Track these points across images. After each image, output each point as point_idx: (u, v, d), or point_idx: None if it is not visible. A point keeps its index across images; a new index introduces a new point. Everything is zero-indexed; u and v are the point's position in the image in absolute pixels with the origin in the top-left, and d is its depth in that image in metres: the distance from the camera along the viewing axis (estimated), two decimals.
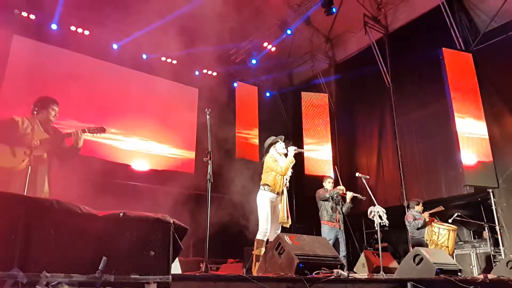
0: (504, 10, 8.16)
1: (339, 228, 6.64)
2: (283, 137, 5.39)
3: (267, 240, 4.90)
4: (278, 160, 5.16)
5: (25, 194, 3.58)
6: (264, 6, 10.66)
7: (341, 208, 6.81)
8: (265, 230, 4.90)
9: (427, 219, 7.04)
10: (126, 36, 9.63)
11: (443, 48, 8.38)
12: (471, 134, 8.02)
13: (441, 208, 7.22)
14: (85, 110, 8.65)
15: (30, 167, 3.77)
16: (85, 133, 4.46)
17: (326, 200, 6.76)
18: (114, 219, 2.07)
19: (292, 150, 5.15)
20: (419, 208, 7.35)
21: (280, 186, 5.08)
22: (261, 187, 5.14)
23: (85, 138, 4.55)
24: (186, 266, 6.77)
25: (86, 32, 9.07)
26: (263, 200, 5.02)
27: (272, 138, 5.36)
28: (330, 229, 6.59)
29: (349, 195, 6.76)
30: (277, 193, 5.07)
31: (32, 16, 8.43)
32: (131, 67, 9.87)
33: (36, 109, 4.15)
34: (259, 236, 4.91)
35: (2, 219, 1.77)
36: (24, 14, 8.33)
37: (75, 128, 4.44)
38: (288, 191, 5.24)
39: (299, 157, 9.99)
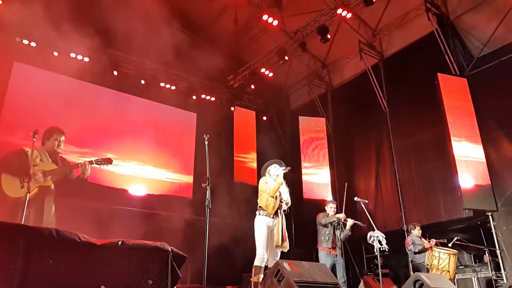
0: (496, 36, 8.34)
1: (336, 255, 6.45)
2: (282, 162, 5.34)
3: (266, 266, 4.83)
4: (269, 182, 5.14)
5: (28, 223, 3.59)
6: (262, 33, 10.91)
7: (340, 234, 6.60)
8: (262, 256, 4.82)
9: (427, 246, 6.98)
10: (125, 63, 9.77)
11: (438, 73, 8.49)
12: (468, 157, 8.04)
13: (444, 241, 7.22)
14: (84, 136, 8.67)
15: (28, 194, 3.78)
16: (92, 164, 4.52)
17: (325, 226, 6.60)
18: (113, 248, 2.07)
19: (281, 170, 5.12)
20: (417, 232, 7.31)
21: (273, 208, 4.97)
22: (257, 212, 5.08)
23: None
24: None
25: (86, 59, 9.17)
26: (260, 225, 4.96)
27: (271, 161, 5.35)
28: (327, 255, 6.41)
29: (350, 222, 6.51)
30: (273, 217, 4.99)
31: (33, 44, 8.54)
32: (130, 93, 9.97)
33: (43, 140, 4.24)
34: (256, 262, 4.83)
35: (2, 248, 1.76)
36: (25, 41, 8.43)
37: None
38: (286, 215, 5.18)
39: (297, 181, 10.06)
